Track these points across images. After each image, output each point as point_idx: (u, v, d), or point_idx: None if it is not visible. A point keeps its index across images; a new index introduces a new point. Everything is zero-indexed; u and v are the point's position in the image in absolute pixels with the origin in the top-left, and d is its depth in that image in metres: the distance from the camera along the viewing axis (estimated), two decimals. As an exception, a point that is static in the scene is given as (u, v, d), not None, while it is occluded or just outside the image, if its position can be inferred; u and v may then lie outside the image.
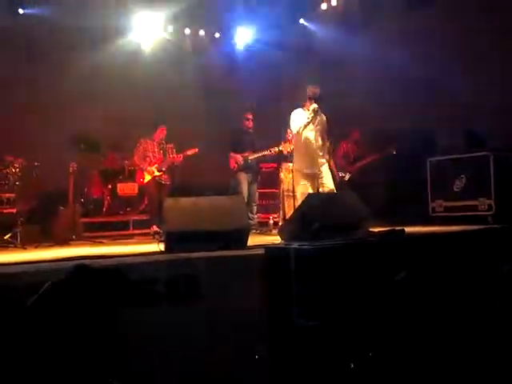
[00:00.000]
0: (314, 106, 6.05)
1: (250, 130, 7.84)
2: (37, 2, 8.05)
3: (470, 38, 7.41)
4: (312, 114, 6.06)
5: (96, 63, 8.14)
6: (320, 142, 6.24)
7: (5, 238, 6.22)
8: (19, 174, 6.61)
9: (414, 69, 7.67)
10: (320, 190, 6.15)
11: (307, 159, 6.19)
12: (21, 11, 8.08)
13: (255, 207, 7.67)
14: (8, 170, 6.57)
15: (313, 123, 6.14)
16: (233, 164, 7.68)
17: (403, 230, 4.21)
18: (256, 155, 7.62)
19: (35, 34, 8.00)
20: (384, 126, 8.33)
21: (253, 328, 3.68)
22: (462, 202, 6.87)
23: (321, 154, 6.23)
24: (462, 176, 6.94)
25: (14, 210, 6.61)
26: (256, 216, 7.69)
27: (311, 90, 6.14)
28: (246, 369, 3.60)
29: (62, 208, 7.02)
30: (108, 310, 1.57)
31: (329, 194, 5.87)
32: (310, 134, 6.18)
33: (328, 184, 6.17)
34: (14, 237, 6.29)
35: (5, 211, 6.64)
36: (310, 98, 6.11)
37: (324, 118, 6.29)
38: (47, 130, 7.91)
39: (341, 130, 8.05)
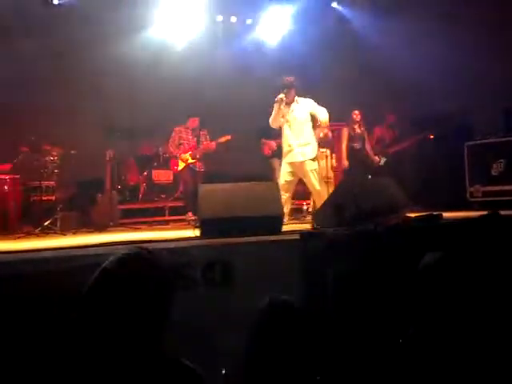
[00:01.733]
0: (280, 96, 5.94)
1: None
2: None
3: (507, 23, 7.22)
4: (277, 104, 5.95)
5: (129, 52, 8.19)
6: (300, 130, 6.07)
7: (45, 224, 6.39)
8: (57, 162, 6.75)
9: (451, 53, 7.50)
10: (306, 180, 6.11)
11: (284, 149, 6.16)
12: (56, 1, 8.18)
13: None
14: (47, 159, 6.72)
15: (282, 114, 6.03)
16: (266, 150, 7.68)
17: (440, 214, 4.15)
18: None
19: (68, 24, 8.09)
20: (420, 110, 8.19)
21: (287, 313, 3.69)
22: (500, 186, 6.73)
23: (301, 142, 6.06)
24: (501, 160, 6.78)
25: (53, 198, 6.77)
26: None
27: (283, 79, 6.04)
28: (281, 354, 3.62)
29: (99, 195, 7.16)
30: (160, 295, 1.60)
31: (364, 180, 5.83)
32: (286, 123, 6.10)
33: (307, 177, 6.03)
34: (53, 223, 6.45)
35: (44, 198, 6.81)
36: (283, 88, 5.99)
37: (307, 104, 6.12)
38: (83, 118, 8.02)
39: (375, 114, 7.96)
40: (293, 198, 7.84)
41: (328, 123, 6.22)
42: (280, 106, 5.99)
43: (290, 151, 6.08)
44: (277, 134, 7.59)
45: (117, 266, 1.56)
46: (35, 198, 6.81)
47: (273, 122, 6.14)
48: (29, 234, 6.16)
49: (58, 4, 8.16)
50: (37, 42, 7.76)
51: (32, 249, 4.46)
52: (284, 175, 6.12)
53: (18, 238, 5.95)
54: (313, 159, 6.07)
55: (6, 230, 6.41)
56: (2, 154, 7.25)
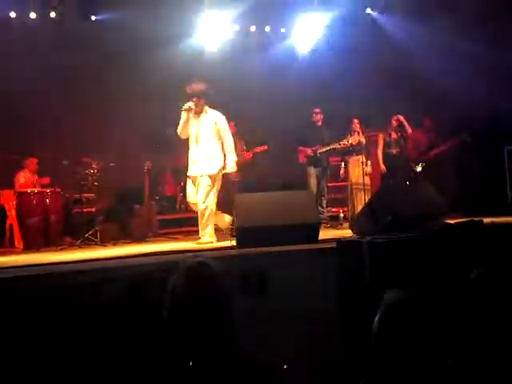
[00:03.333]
0: (188, 104, 5.60)
1: (319, 124, 7.79)
2: (108, 8, 8.32)
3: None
4: (185, 112, 5.61)
5: (165, 64, 8.31)
6: (204, 143, 5.64)
7: (85, 235, 6.53)
8: (97, 174, 6.89)
9: (489, 54, 7.35)
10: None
11: (189, 161, 5.73)
12: (93, 18, 8.38)
13: (325, 201, 7.61)
14: (87, 172, 6.87)
15: (194, 123, 5.65)
16: (302, 158, 7.67)
17: (481, 220, 4.05)
18: (325, 148, 7.55)
19: (105, 37, 8.27)
20: (458, 113, 8.04)
21: (325, 322, 3.67)
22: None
23: (204, 156, 5.63)
24: (543, 163, 6.59)
25: (94, 209, 6.92)
26: (326, 210, 7.64)
27: (191, 86, 5.65)
28: (318, 361, 3.59)
29: (138, 206, 7.27)
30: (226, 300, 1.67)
31: (402, 186, 5.73)
32: (193, 134, 5.67)
33: (199, 193, 5.60)
34: (93, 235, 6.58)
35: (85, 210, 6.98)
36: (192, 97, 5.63)
37: (214, 116, 5.72)
38: (121, 130, 8.17)
39: (412, 119, 7.85)
40: (328, 206, 7.84)
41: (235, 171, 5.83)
42: (188, 114, 5.61)
43: (192, 164, 5.68)
44: (313, 142, 7.59)
45: (185, 277, 1.62)
46: (76, 210, 6.99)
47: (180, 131, 5.70)
48: (70, 246, 6.31)
49: (96, 19, 8.36)
50: (76, 56, 7.97)
51: (74, 260, 4.57)
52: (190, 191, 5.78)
53: (60, 249, 6.11)
54: (210, 176, 5.61)
55: (49, 242, 6.60)
56: (44, 167, 7.47)
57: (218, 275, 1.68)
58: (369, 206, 4.79)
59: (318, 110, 7.75)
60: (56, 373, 2.84)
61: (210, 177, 5.60)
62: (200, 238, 5.70)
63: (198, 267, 1.66)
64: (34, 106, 7.84)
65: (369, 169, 7.64)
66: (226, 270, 3.60)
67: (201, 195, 5.57)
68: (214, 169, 5.63)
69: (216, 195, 5.69)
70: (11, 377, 2.75)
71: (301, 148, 7.66)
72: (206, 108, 5.70)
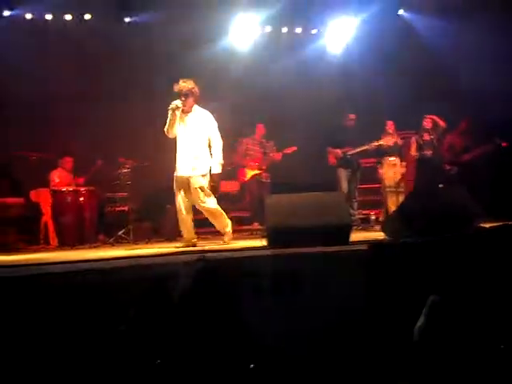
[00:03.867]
0: (175, 102, 5.41)
1: (351, 128, 7.73)
2: (142, 9, 8.44)
3: None
4: (171, 111, 5.41)
5: (197, 65, 8.38)
6: (193, 142, 5.49)
7: (118, 234, 6.64)
8: (130, 173, 7.00)
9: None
10: (192, 198, 5.51)
11: (178, 161, 5.53)
12: (127, 19, 8.53)
13: (356, 203, 7.56)
14: (120, 171, 6.99)
15: (182, 122, 5.49)
16: (332, 160, 7.63)
17: (516, 225, 3.97)
18: (356, 150, 7.51)
19: (138, 38, 8.38)
20: (494, 116, 7.88)
21: (356, 324, 3.65)
22: None
23: (194, 156, 5.47)
24: None
25: (126, 208, 7.04)
26: (357, 212, 7.59)
27: (179, 85, 5.47)
28: (349, 365, 3.58)
29: (169, 206, 7.35)
30: (228, 302, 1.65)
31: (435, 189, 5.66)
32: (181, 133, 5.51)
33: (195, 194, 5.45)
34: (126, 233, 6.69)
35: (117, 209, 7.10)
36: (180, 95, 5.45)
37: (203, 116, 5.58)
38: (155, 130, 8.28)
39: (447, 121, 7.74)
40: (359, 208, 7.79)
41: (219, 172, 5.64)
42: (175, 113, 5.44)
43: (180, 163, 5.52)
44: (343, 143, 7.55)
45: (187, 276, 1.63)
46: (109, 208, 7.11)
47: (167, 130, 5.52)
48: (103, 244, 6.42)
49: (129, 22, 8.49)
50: (111, 57, 8.11)
51: (107, 257, 4.65)
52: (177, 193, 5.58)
53: (94, 247, 6.22)
54: (203, 175, 5.49)
55: (82, 240, 6.73)
56: (80, 166, 7.62)
57: (220, 274, 1.67)
58: (402, 208, 4.75)
59: (352, 117, 7.68)
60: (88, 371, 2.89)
61: (203, 176, 5.49)
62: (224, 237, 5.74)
63: (198, 266, 1.66)
64: (70, 106, 8.01)
65: (402, 170, 7.56)
66: (256, 270, 3.63)
67: (202, 197, 5.47)
68: (205, 168, 5.51)
69: (213, 194, 5.63)
70: (45, 373, 2.80)
71: (330, 149, 7.63)
72: (195, 107, 5.55)
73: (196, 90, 5.52)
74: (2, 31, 7.69)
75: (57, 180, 7.32)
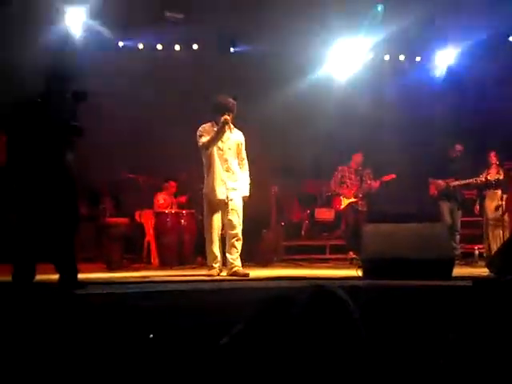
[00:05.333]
0: (225, 116, 5.15)
1: (457, 158, 7.45)
2: (246, 40, 8.75)
3: None
4: (220, 126, 5.14)
5: (297, 92, 8.49)
6: (231, 162, 5.27)
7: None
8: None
9: None
10: (225, 221, 5.21)
11: (212, 182, 5.24)
12: (232, 50, 8.87)
13: (458, 236, 7.24)
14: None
15: (221, 139, 5.22)
16: (433, 190, 7.39)
17: None
18: (459, 182, 7.22)
19: (242, 68, 8.66)
20: None
21: (457, 364, 3.47)
22: None
23: (232, 176, 5.25)
24: None
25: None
26: (459, 246, 7.25)
27: (222, 99, 5.25)
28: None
29: (264, 231, 7.44)
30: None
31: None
32: (219, 151, 5.24)
33: (232, 216, 5.18)
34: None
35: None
36: (220, 110, 5.21)
37: (240, 135, 5.38)
38: (252, 156, 8.48)
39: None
40: (462, 242, 7.43)
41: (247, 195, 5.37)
42: (225, 127, 5.18)
43: (218, 183, 5.24)
44: (446, 174, 7.27)
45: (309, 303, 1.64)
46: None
47: (209, 144, 5.19)
48: (201, 266, 6.60)
49: (234, 51, 8.82)
50: (215, 86, 8.41)
51: (206, 280, 4.80)
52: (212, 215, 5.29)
53: (193, 268, 6.42)
54: (244, 197, 5.31)
55: (182, 261, 6.97)
56: (182, 188, 7.92)
57: (344, 302, 1.66)
58: (508, 243, 4.49)
59: (459, 148, 7.41)
60: None
61: (243, 198, 5.33)
62: (235, 266, 5.24)
63: (323, 294, 1.65)
64: (175, 131, 8.41)
65: (505, 203, 7.15)
66: (349, 300, 3.57)
67: (236, 218, 5.23)
68: (245, 190, 5.35)
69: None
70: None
71: (432, 180, 7.39)
72: (232, 126, 5.37)
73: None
74: (115, 58, 8.22)
75: (161, 202, 7.64)
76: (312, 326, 1.54)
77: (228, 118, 5.18)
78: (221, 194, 5.22)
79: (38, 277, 3.96)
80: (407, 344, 3.48)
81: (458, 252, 7.01)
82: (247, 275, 5.09)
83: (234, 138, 5.33)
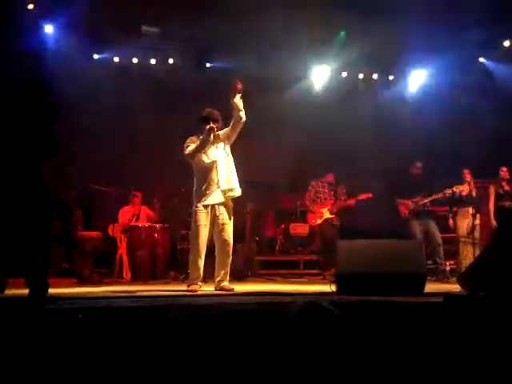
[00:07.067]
0: (211, 125, 5.19)
1: (419, 176, 7.58)
2: (221, 57, 8.82)
3: None
4: (206, 133, 5.18)
5: (271, 109, 8.54)
6: (222, 169, 5.28)
7: (188, 271, 6.72)
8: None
9: None
10: (220, 239, 5.21)
11: (204, 190, 5.25)
12: (208, 65, 8.95)
13: (442, 251, 7.22)
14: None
15: (206, 147, 5.25)
16: (403, 211, 7.46)
17: None
18: (427, 199, 7.32)
19: (218, 84, 8.70)
20: None
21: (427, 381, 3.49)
22: None
23: (223, 182, 5.25)
24: None
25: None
26: (443, 261, 7.23)
27: (207, 111, 5.30)
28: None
29: (239, 245, 7.42)
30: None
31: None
32: (205, 160, 5.26)
33: (225, 232, 5.19)
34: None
35: (189, 247, 7.18)
36: (205, 120, 5.24)
37: (228, 147, 5.40)
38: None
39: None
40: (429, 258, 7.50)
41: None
42: (210, 135, 5.21)
43: (212, 191, 5.24)
44: (413, 193, 7.37)
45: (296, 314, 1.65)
46: (180, 246, 7.23)
47: (193, 153, 5.23)
48: (174, 280, 6.53)
49: (210, 67, 8.87)
50: (188, 98, 8.42)
51: (180, 294, 4.74)
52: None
53: (165, 283, 6.35)
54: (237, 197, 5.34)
55: (154, 275, 6.89)
56: (153, 203, 7.85)
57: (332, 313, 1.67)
58: (479, 261, 4.57)
59: (419, 165, 7.56)
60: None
61: (236, 197, 5.34)
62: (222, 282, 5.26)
63: (310, 308, 1.67)
64: (148, 144, 8.39)
65: (477, 221, 7.28)
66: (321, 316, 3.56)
67: (228, 224, 5.24)
68: (238, 191, 5.33)
69: None
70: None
71: (400, 201, 7.49)
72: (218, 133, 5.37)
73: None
74: (91, 71, 8.17)
75: (124, 215, 7.51)
76: (304, 334, 1.55)
77: (213, 126, 5.22)
78: (214, 199, 5.22)
79: (8, 291, 3.87)
80: (378, 359, 3.50)
81: (442, 267, 7.05)
82: (232, 290, 5.10)
83: (220, 146, 5.36)
